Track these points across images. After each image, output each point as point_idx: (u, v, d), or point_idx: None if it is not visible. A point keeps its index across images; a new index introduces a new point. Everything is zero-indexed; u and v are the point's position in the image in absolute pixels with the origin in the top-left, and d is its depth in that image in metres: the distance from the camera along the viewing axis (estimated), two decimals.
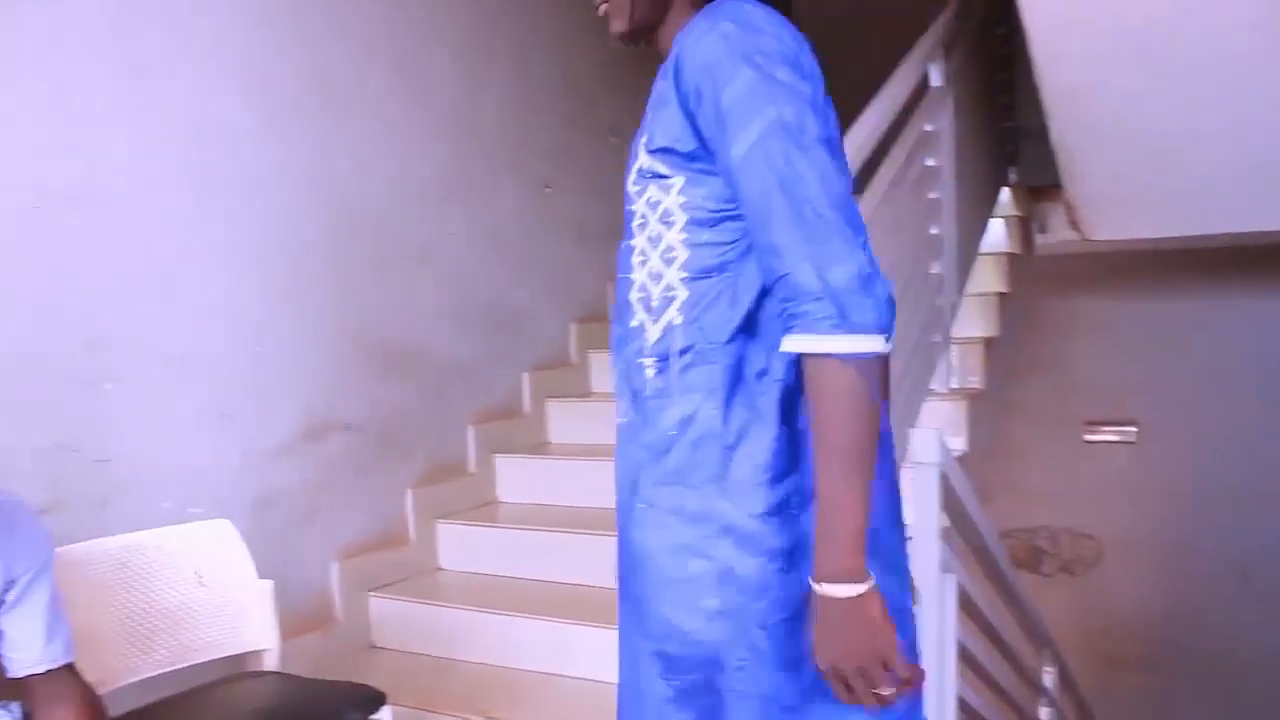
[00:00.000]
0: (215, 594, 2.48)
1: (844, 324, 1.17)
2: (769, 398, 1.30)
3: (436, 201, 3.56)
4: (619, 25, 1.43)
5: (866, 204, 2.84)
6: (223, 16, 2.85)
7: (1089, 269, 5.15)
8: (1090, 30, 2.83)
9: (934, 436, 2.02)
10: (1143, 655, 5.34)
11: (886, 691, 1.20)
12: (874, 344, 1.18)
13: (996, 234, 4.34)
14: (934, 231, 3.40)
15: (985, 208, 4.21)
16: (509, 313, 3.92)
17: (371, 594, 3.21)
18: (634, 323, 1.37)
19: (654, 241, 1.34)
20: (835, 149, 1.28)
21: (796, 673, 1.30)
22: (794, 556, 1.29)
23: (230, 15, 2.88)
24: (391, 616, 3.20)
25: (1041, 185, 4.59)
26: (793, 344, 1.21)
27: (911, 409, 3.19)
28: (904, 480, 2.99)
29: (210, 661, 2.47)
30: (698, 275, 1.32)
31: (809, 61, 1.31)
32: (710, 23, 1.27)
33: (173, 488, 2.68)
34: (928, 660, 2.04)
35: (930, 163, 3.35)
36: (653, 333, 1.35)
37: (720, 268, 1.31)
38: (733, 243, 1.31)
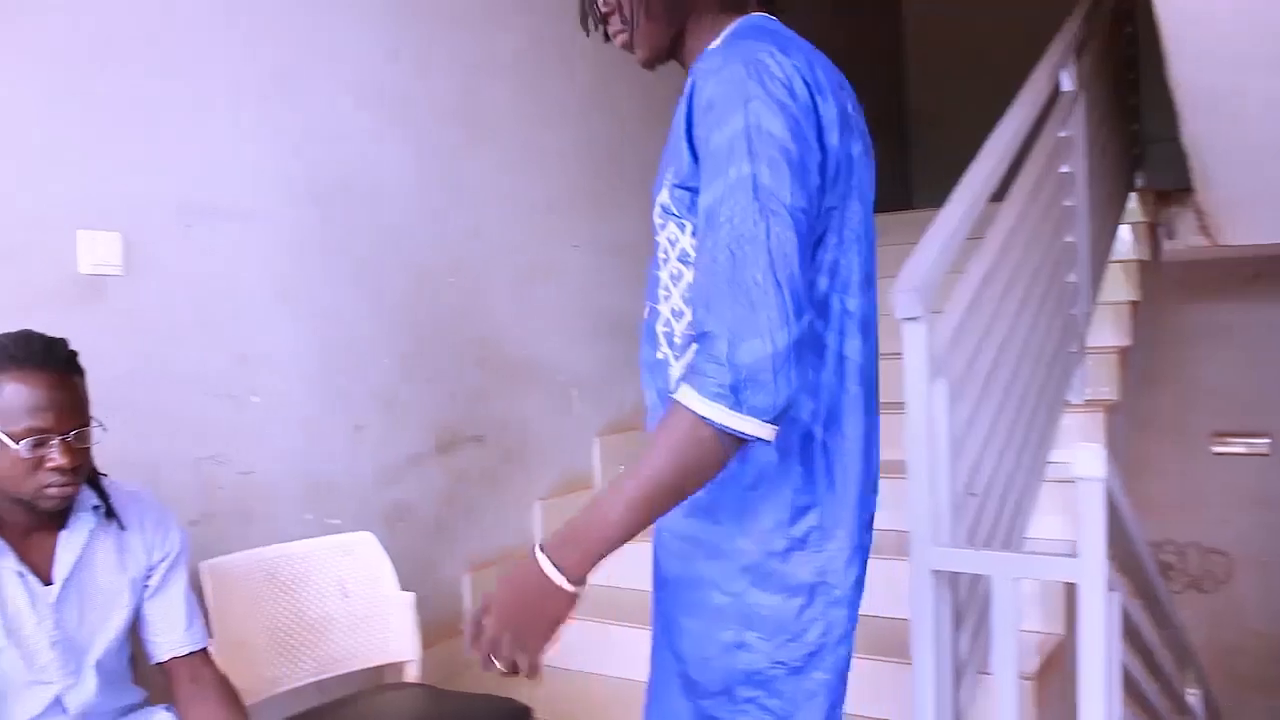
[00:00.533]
0: (359, 605, 2.51)
1: (733, 399, 1.13)
2: (788, 439, 1.30)
3: (562, 216, 3.57)
4: (641, 54, 1.43)
5: (1007, 214, 2.78)
6: (358, 40, 2.90)
7: (1218, 275, 4.98)
8: (1228, 31, 2.74)
9: (1098, 451, 1.95)
10: (1275, 676, 5.14)
11: (499, 665, 1.22)
12: (757, 429, 1.15)
13: (1124, 240, 4.22)
14: (1069, 239, 3.31)
15: (1115, 213, 4.09)
16: (634, 326, 3.91)
17: None
18: (659, 355, 1.37)
19: (675, 278, 1.33)
20: (810, 217, 1.23)
21: (808, 711, 1.33)
22: (815, 591, 1.32)
23: (367, 39, 2.92)
24: None
25: (1168, 189, 4.46)
26: (683, 394, 1.17)
27: (1051, 421, 3.11)
28: (1065, 496, 2.95)
29: (351, 672, 2.50)
30: None
31: (821, 116, 1.26)
32: (725, 58, 1.24)
33: (312, 499, 2.72)
34: (1093, 683, 1.98)
35: (1065, 169, 3.27)
36: (675, 369, 1.34)
37: None
38: None
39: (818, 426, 1.33)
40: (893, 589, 2.86)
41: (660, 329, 1.37)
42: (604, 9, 1.42)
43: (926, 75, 6.78)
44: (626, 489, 1.18)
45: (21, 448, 1.60)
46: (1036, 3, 6.06)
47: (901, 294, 2.17)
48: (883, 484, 3.26)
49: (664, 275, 1.35)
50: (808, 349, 1.25)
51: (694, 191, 1.26)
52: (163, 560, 1.88)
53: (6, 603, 1.67)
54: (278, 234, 2.67)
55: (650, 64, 1.44)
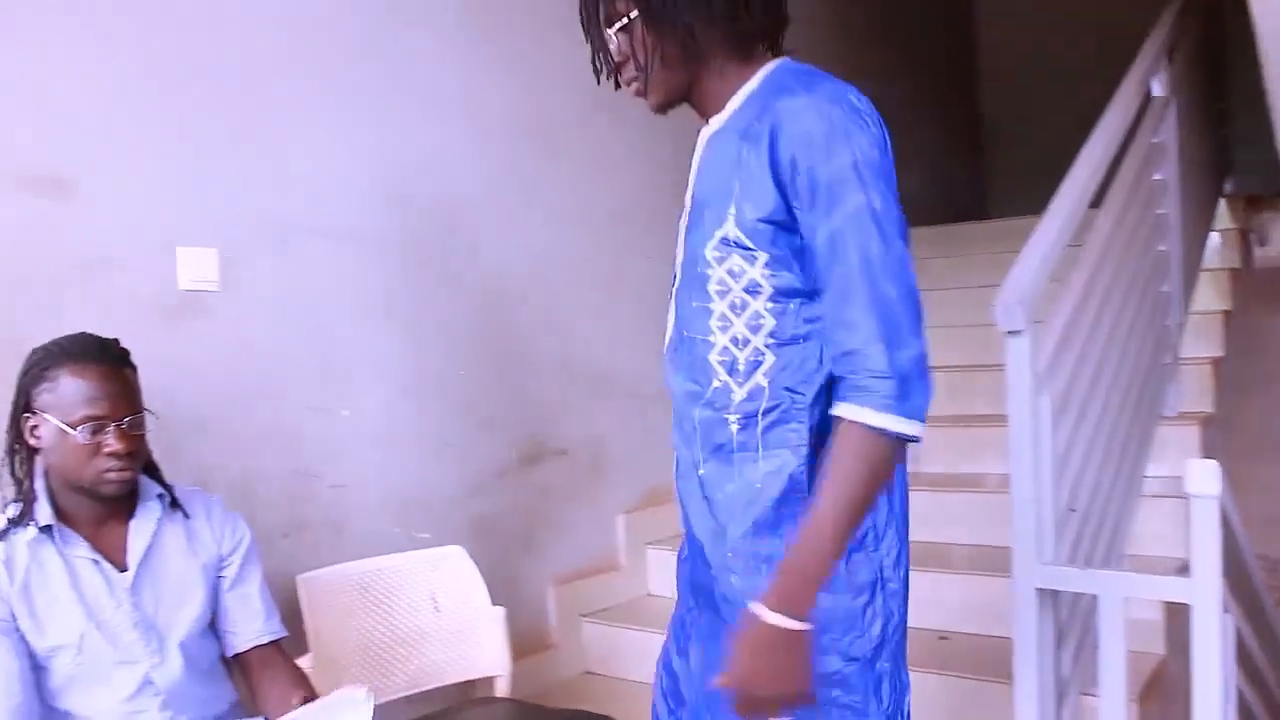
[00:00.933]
0: (449, 619, 2.51)
1: (900, 406, 1.27)
2: None
3: (635, 227, 3.55)
4: (655, 100, 1.49)
5: (1103, 222, 2.72)
6: (439, 58, 2.92)
7: None
8: None
9: (1211, 467, 1.89)
10: None
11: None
12: (916, 430, 1.29)
13: (1214, 248, 4.12)
14: (1161, 248, 3.24)
15: (1205, 221, 4.00)
16: None
17: (585, 619, 3.22)
18: (716, 383, 1.42)
19: (737, 309, 1.40)
20: (905, 234, 1.35)
21: (878, 698, 1.41)
22: (874, 588, 1.42)
23: (447, 57, 2.94)
24: (605, 642, 3.19)
25: (1259, 194, 4.35)
26: (851, 412, 1.29)
27: (1146, 435, 3.04)
28: (1161, 512, 2.87)
29: (442, 687, 2.50)
30: (785, 342, 1.39)
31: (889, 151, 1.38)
32: (811, 98, 1.32)
33: (401, 513, 2.73)
34: (1209, 711, 1.92)
35: (1157, 177, 3.20)
36: (738, 394, 1.41)
37: (806, 336, 1.38)
38: (819, 316, 1.37)
39: None
40: (991, 607, 2.82)
41: (716, 358, 1.42)
42: (617, 58, 1.48)
43: (1000, 85, 6.69)
44: (829, 519, 1.29)
45: (79, 434, 1.68)
46: (1109, 11, 6.00)
47: (1005, 307, 2.12)
48: (979, 499, 3.24)
49: (721, 307, 1.41)
50: None
51: (776, 224, 1.35)
52: (234, 550, 1.92)
53: (85, 589, 1.71)
54: (366, 250, 2.68)
55: (663, 109, 1.51)
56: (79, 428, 1.68)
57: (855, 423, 1.28)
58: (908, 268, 1.32)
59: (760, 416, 1.40)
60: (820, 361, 1.38)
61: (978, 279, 4.45)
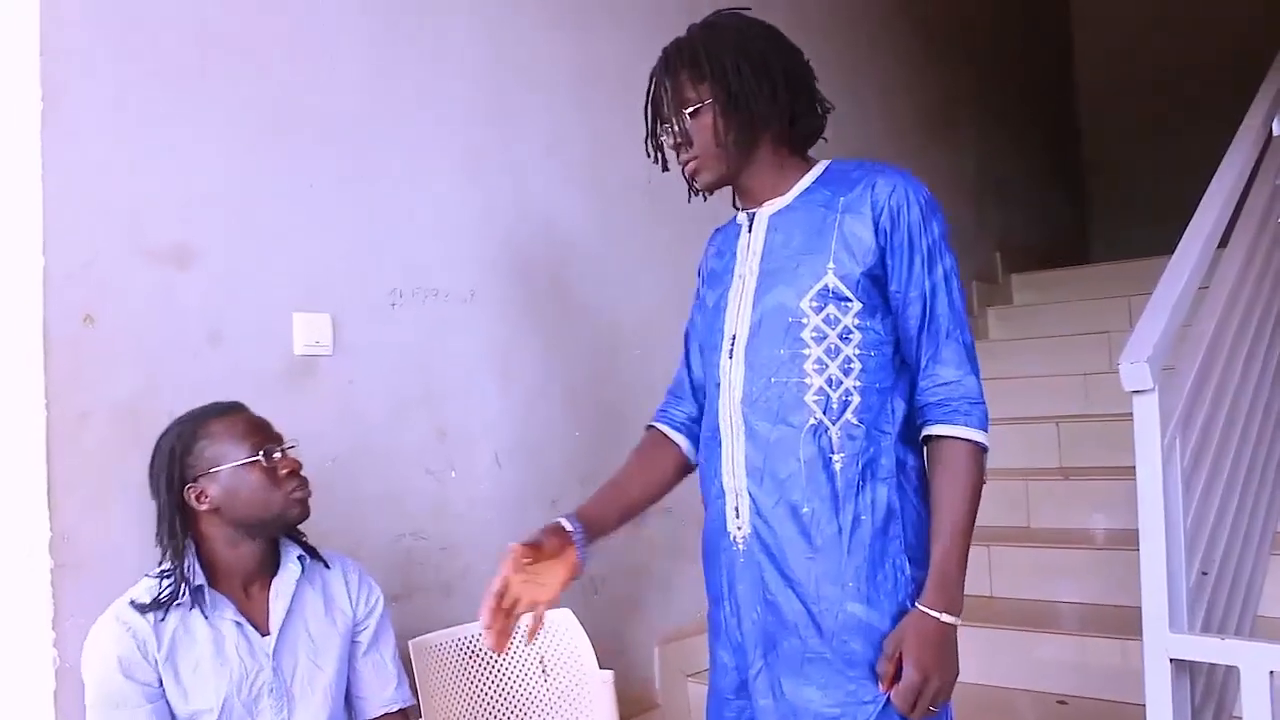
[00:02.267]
0: (558, 684, 2.48)
1: (985, 424, 1.56)
2: (913, 483, 1.61)
3: None
4: (708, 179, 1.68)
5: (1228, 269, 2.63)
6: (547, 114, 2.94)
7: None
8: None
9: None
10: None
11: (935, 710, 1.50)
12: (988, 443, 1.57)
13: None
14: None
15: None
16: None
17: (690, 679, 3.16)
18: (812, 420, 1.57)
19: (832, 353, 1.57)
20: None
21: None
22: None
23: (570, 118, 2.98)
24: None
25: None
26: (961, 432, 1.55)
27: (1276, 489, 2.90)
28: None
29: None
30: (871, 384, 1.58)
31: None
32: (904, 180, 1.59)
33: None
34: None
35: None
36: (835, 432, 1.57)
37: (889, 380, 1.59)
38: (893, 358, 1.60)
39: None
40: (1110, 670, 2.71)
41: (811, 398, 1.57)
42: (680, 139, 1.66)
43: (1101, 129, 6.58)
44: (965, 523, 1.54)
45: (261, 460, 1.76)
46: (1208, 55, 5.88)
47: (1132, 367, 2.04)
48: (1088, 555, 3.14)
49: (818, 351, 1.57)
50: None
51: (872, 278, 1.57)
52: (369, 615, 1.94)
53: (229, 654, 1.74)
54: (478, 310, 2.70)
55: (711, 189, 1.72)
56: (257, 455, 1.75)
57: (964, 440, 1.55)
58: (967, 320, 1.63)
59: (860, 455, 1.56)
60: (895, 403, 1.59)
61: (1083, 325, 4.36)
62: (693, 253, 3.33)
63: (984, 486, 1.57)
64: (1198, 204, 2.61)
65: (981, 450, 1.55)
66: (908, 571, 1.56)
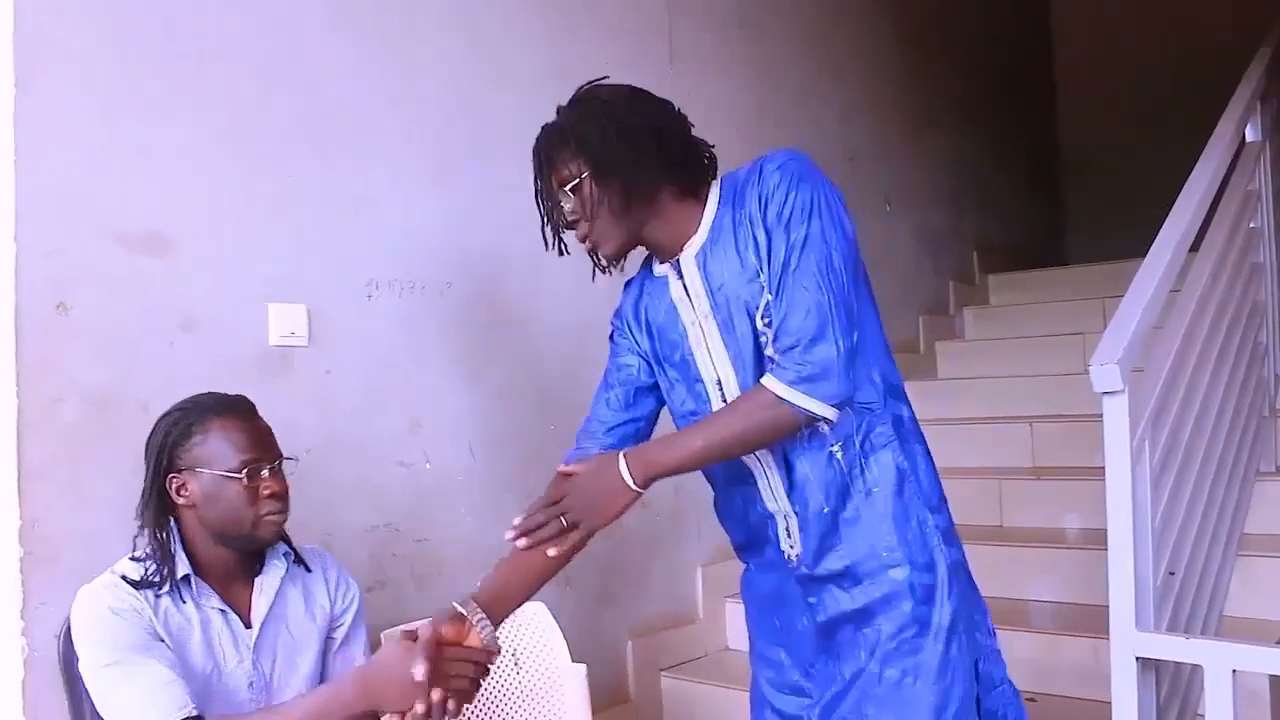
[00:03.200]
0: (531, 677, 2.48)
1: (802, 381, 1.50)
2: (915, 434, 1.66)
3: None
4: (610, 248, 1.69)
5: (1199, 273, 2.65)
6: (534, 117, 2.92)
7: None
8: None
9: None
10: None
11: (563, 522, 1.60)
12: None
13: None
14: (1258, 298, 3.15)
15: None
16: None
17: (663, 673, 3.18)
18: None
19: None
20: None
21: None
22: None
23: (543, 116, 2.93)
24: (682, 696, 3.15)
25: None
26: (768, 381, 1.53)
27: (1244, 491, 2.94)
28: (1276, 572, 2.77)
29: None
30: None
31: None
32: (768, 161, 1.61)
33: (483, 566, 2.70)
34: None
35: (1253, 224, 3.12)
36: (824, 425, 1.57)
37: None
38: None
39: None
40: (1079, 668, 2.74)
41: None
42: (571, 218, 1.67)
43: (1078, 132, 6.62)
44: (706, 444, 1.55)
45: (242, 479, 1.71)
46: (1188, 57, 5.92)
47: (1102, 369, 2.06)
48: (1061, 554, 3.17)
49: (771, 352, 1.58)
50: None
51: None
52: (345, 612, 1.92)
53: (214, 638, 1.72)
54: (453, 304, 2.70)
55: (617, 257, 1.72)
56: (241, 473, 1.71)
57: (768, 389, 1.51)
58: (846, 279, 1.54)
59: (854, 434, 1.59)
60: (872, 368, 1.60)
61: (1058, 326, 4.39)
62: None
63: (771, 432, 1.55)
64: (1171, 208, 2.63)
65: (786, 405, 1.51)
66: (930, 521, 1.61)
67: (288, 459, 1.80)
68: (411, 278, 2.59)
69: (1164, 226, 2.52)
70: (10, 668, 1.88)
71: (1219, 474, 2.66)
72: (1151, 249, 2.45)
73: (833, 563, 1.63)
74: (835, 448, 1.59)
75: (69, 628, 1.69)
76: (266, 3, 2.35)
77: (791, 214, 1.54)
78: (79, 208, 2.01)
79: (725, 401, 1.65)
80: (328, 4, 2.48)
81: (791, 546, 1.67)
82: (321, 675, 1.89)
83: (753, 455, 1.65)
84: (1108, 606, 2.15)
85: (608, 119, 1.63)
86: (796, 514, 1.65)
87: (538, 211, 1.72)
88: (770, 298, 1.56)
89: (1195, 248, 2.68)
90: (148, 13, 2.14)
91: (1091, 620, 2.84)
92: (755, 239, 1.58)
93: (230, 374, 2.21)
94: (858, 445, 1.60)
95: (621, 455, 1.57)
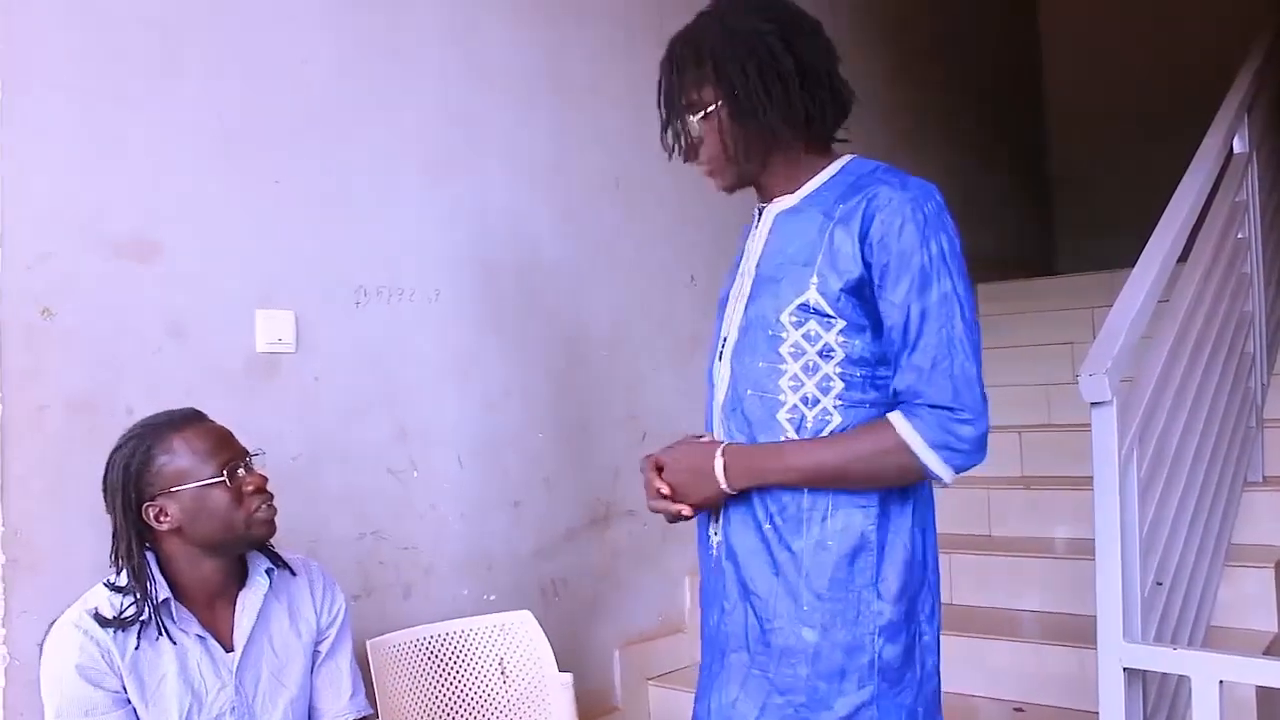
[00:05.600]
0: (517, 686, 2.48)
1: (944, 450, 1.42)
2: (902, 515, 1.50)
3: (714, 290, 3.54)
4: (723, 184, 1.61)
5: (1186, 285, 2.66)
6: (516, 120, 2.94)
7: None
8: None
9: None
10: None
11: (668, 504, 1.57)
12: (947, 477, 1.46)
13: None
14: (1246, 308, 3.16)
15: None
16: None
17: (651, 682, 3.17)
18: (782, 439, 1.50)
19: (810, 370, 1.48)
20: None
21: None
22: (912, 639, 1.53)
23: (533, 120, 2.98)
24: (670, 706, 3.14)
25: None
26: (901, 424, 1.43)
27: (1231, 501, 2.94)
28: (1263, 581, 2.77)
29: None
30: (853, 404, 1.48)
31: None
32: (906, 193, 1.44)
33: (469, 575, 2.71)
34: None
35: (1240, 235, 3.12)
36: None
37: (873, 402, 1.48)
38: (890, 380, 1.47)
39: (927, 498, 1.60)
40: (1068, 678, 2.73)
41: (784, 415, 1.50)
42: (693, 141, 1.57)
43: (1069, 142, 6.65)
44: (818, 468, 1.46)
45: (224, 480, 1.68)
46: (1179, 68, 5.95)
47: (1091, 379, 2.06)
48: (1049, 564, 3.17)
49: (794, 368, 1.49)
50: None
51: (856, 296, 1.45)
52: (331, 624, 1.90)
53: (192, 669, 1.69)
54: (442, 310, 2.69)
55: (731, 190, 1.63)
56: (221, 476, 1.68)
57: (898, 434, 1.41)
58: (979, 348, 1.46)
59: None
60: None
61: (1047, 336, 4.40)
62: (659, 257, 3.37)
63: (876, 483, 1.47)
64: (1160, 219, 2.64)
65: (914, 458, 1.41)
66: (874, 606, 1.47)
67: (255, 454, 1.77)
68: (400, 285, 2.59)
69: (1152, 237, 2.53)
70: None
71: (1206, 484, 2.67)
72: (1139, 260, 2.45)
73: (758, 579, 1.53)
74: None
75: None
76: (255, 8, 2.35)
77: (925, 267, 1.42)
78: (64, 213, 2.01)
79: (721, 360, 1.60)
80: (316, 10, 2.47)
81: (715, 534, 1.60)
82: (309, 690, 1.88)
83: (715, 423, 1.61)
84: (1094, 616, 2.15)
85: (751, 52, 1.50)
86: (726, 505, 1.57)
87: (659, 115, 1.60)
88: (836, 318, 1.47)
89: (1183, 259, 2.69)
90: (134, 17, 2.13)
91: (1079, 630, 2.84)
92: (833, 241, 1.47)
93: (217, 381, 2.21)
94: (829, 492, 1.48)
95: (720, 455, 1.51)
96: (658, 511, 1.60)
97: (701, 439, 1.61)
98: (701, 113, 1.54)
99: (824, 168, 1.58)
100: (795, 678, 1.48)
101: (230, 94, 2.28)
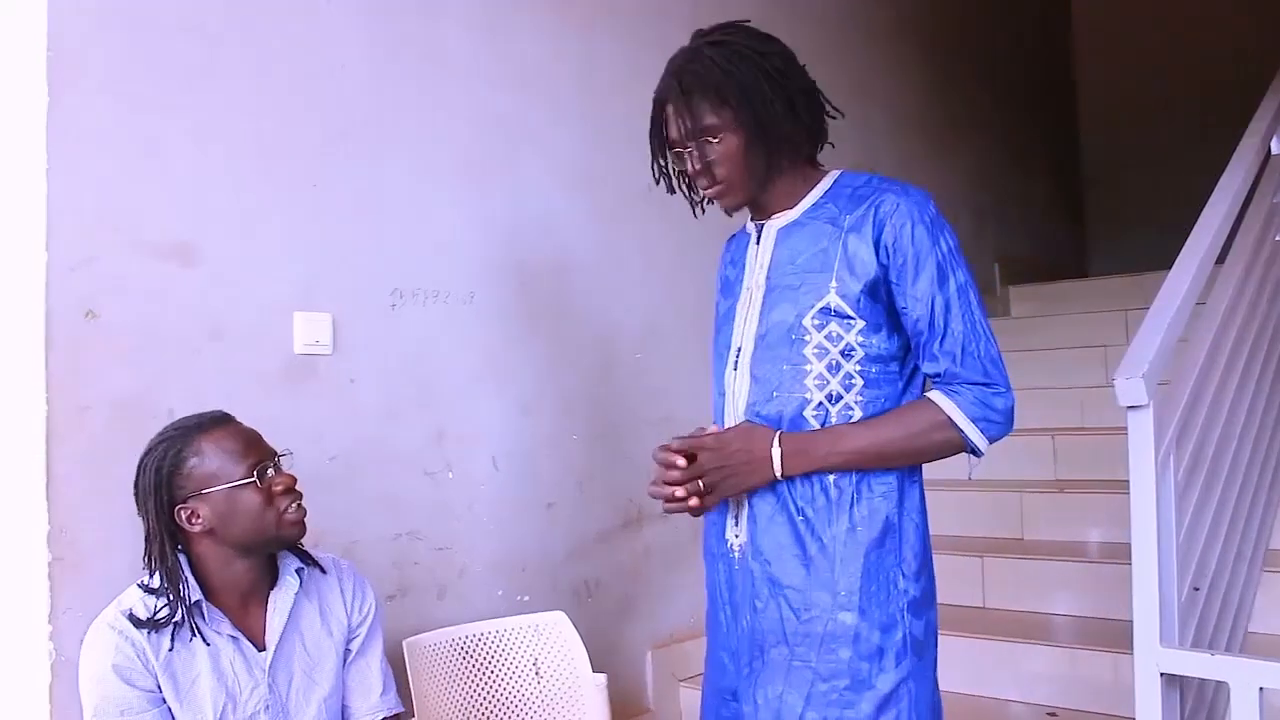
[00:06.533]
0: (550, 686, 2.49)
1: (986, 425, 1.57)
2: (915, 502, 1.62)
3: None
4: (732, 203, 1.67)
5: (1224, 288, 2.64)
6: (554, 123, 2.96)
7: None
8: None
9: None
10: None
11: (691, 498, 1.54)
12: (983, 445, 1.59)
13: None
14: None
15: None
16: None
17: (682, 684, 3.17)
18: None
19: (833, 369, 1.57)
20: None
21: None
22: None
23: (567, 125, 3.01)
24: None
25: None
26: (946, 404, 1.56)
27: (1270, 505, 2.92)
28: None
29: None
30: (870, 400, 1.58)
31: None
32: (910, 199, 1.57)
33: (503, 575, 2.72)
34: None
35: (1279, 238, 3.10)
36: None
37: (887, 396, 1.59)
38: (900, 374, 1.60)
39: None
40: (1101, 683, 2.72)
41: (811, 413, 1.59)
42: (697, 166, 1.63)
43: (1100, 145, 6.61)
44: (867, 448, 1.54)
45: (255, 481, 1.70)
46: (1210, 71, 5.91)
47: (1127, 383, 2.05)
48: (1082, 568, 3.15)
49: (819, 367, 1.58)
50: None
51: (872, 296, 1.56)
52: (362, 622, 1.91)
53: (225, 669, 1.71)
54: (477, 313, 2.71)
55: (736, 210, 1.70)
56: (251, 476, 1.70)
57: (945, 412, 1.54)
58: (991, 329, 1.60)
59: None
60: None
61: (1080, 338, 4.38)
62: (692, 260, 3.38)
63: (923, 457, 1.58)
64: (1194, 220, 2.62)
65: (957, 431, 1.54)
66: (901, 585, 1.56)
67: (283, 455, 1.79)
68: (435, 287, 2.61)
69: (1189, 239, 2.51)
70: (37, 672, 1.90)
71: (1244, 489, 2.65)
72: (1177, 261, 2.44)
73: (789, 573, 1.58)
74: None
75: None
76: (295, 16, 2.37)
77: (941, 262, 1.55)
78: (109, 217, 2.03)
79: (736, 369, 1.66)
80: (355, 18, 2.49)
81: (737, 536, 1.64)
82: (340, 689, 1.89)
83: None
84: (1129, 621, 2.14)
85: (765, 76, 1.59)
86: (750, 506, 1.61)
87: (651, 147, 1.72)
88: (858, 318, 1.56)
89: (1220, 261, 2.68)
90: (179, 25, 2.16)
91: (1112, 635, 2.83)
92: (847, 248, 1.57)
93: (255, 382, 2.23)
94: (853, 479, 1.57)
95: (777, 440, 1.55)
96: (666, 499, 1.57)
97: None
98: (719, 136, 1.60)
99: (818, 183, 1.67)
100: (838, 661, 1.54)
101: (269, 100, 2.31)
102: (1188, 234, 2.58)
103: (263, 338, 2.26)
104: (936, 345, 1.55)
